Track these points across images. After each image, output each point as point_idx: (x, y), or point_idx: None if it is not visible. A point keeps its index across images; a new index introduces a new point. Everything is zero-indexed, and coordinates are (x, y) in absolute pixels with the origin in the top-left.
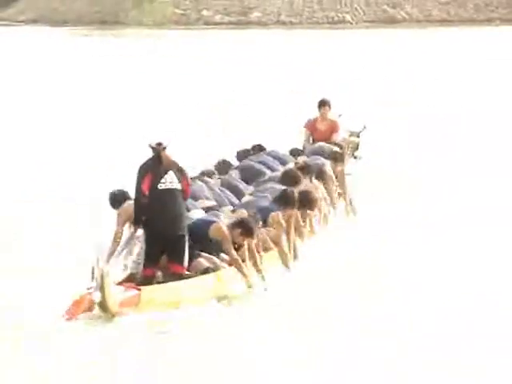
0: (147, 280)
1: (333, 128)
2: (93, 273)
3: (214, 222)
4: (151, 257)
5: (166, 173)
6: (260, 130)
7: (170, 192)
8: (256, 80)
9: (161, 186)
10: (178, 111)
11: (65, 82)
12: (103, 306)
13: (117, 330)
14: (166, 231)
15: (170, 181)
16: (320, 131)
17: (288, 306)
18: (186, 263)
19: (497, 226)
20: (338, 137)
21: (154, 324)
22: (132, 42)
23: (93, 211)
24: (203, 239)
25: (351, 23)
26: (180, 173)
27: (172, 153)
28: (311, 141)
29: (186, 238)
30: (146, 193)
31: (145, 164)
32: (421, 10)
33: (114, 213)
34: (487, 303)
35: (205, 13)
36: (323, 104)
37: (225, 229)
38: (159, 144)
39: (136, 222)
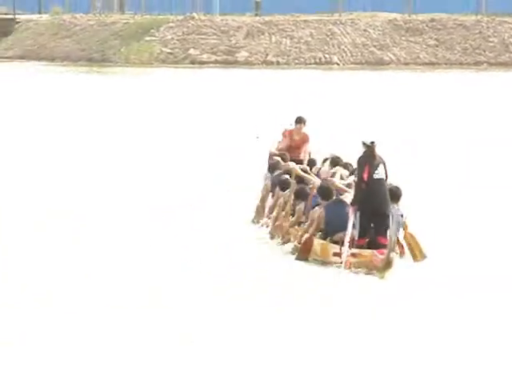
0: (359, 247)
1: (304, 139)
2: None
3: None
4: (364, 230)
5: (378, 165)
6: (242, 164)
7: (381, 181)
8: (243, 115)
9: (375, 176)
10: (165, 146)
11: (50, 115)
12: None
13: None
14: (377, 211)
15: (381, 172)
16: (295, 140)
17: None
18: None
19: None
20: (308, 147)
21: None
22: (119, 80)
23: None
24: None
25: (338, 64)
26: (384, 166)
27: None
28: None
29: (391, 217)
30: (366, 180)
31: (363, 157)
32: (408, 52)
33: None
34: None
35: (192, 52)
36: (300, 121)
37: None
38: (372, 142)
39: (355, 202)
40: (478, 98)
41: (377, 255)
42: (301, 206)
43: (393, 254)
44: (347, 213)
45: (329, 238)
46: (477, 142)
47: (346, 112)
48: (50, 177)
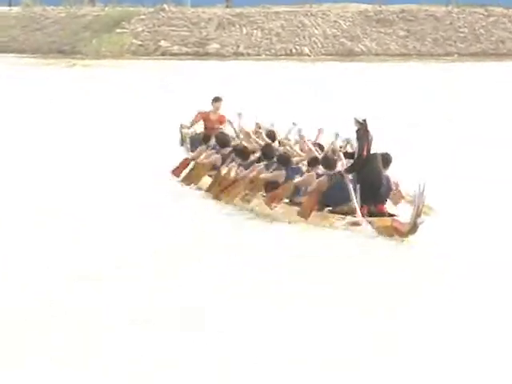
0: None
1: (221, 120)
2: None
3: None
4: (364, 200)
5: (372, 141)
6: None
7: (376, 155)
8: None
9: (372, 151)
10: (136, 137)
11: (18, 107)
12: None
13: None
14: (376, 182)
15: (373, 147)
16: (211, 120)
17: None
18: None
19: None
20: (225, 127)
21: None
22: (88, 71)
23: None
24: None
25: (309, 55)
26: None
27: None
28: (202, 128)
29: (386, 188)
30: (365, 155)
31: (360, 134)
32: (379, 43)
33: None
34: None
35: (163, 43)
36: (218, 100)
37: None
38: (365, 119)
39: (351, 171)
40: (448, 88)
41: (398, 220)
42: (282, 172)
43: (419, 219)
44: (347, 186)
45: (327, 209)
46: (452, 131)
47: (317, 102)
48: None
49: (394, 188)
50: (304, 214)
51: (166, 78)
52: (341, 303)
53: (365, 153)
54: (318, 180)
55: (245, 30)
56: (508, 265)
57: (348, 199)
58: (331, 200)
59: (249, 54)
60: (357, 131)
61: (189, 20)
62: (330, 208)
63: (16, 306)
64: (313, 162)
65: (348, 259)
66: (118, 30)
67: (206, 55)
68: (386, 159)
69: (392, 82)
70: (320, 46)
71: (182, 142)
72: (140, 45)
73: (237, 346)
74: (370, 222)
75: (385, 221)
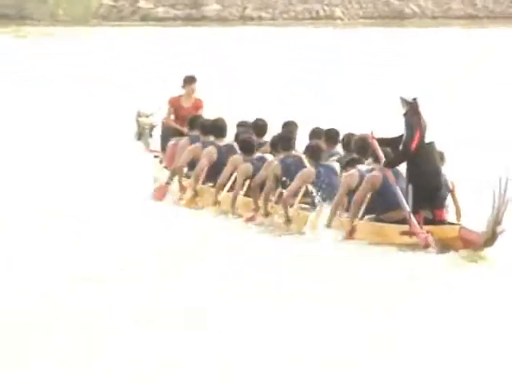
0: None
1: (197, 105)
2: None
3: None
4: (418, 204)
5: (426, 127)
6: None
7: (433, 145)
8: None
9: (426, 140)
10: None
11: None
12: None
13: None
14: (432, 181)
15: (428, 132)
16: (184, 108)
17: None
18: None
19: None
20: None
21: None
22: (41, 44)
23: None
24: None
25: (342, 19)
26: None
27: None
28: (173, 117)
29: (445, 188)
30: (415, 147)
31: (410, 118)
32: (437, 2)
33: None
34: None
35: (142, 4)
36: (189, 81)
37: None
38: (415, 98)
39: (393, 165)
40: None
41: (468, 229)
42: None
43: (499, 227)
44: (391, 187)
45: (368, 217)
46: None
47: (352, 83)
48: None
49: (451, 190)
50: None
51: (147, 51)
52: (340, 302)
53: (415, 143)
54: (369, 178)
55: None
56: None
57: (394, 203)
58: (379, 206)
59: (260, 18)
60: (404, 114)
61: None
62: (371, 215)
63: (20, 307)
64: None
65: (348, 258)
66: None
67: (203, 19)
68: (440, 155)
69: (455, 54)
70: (357, 6)
71: (140, 136)
72: (112, 6)
73: (238, 345)
74: (428, 231)
75: (449, 230)
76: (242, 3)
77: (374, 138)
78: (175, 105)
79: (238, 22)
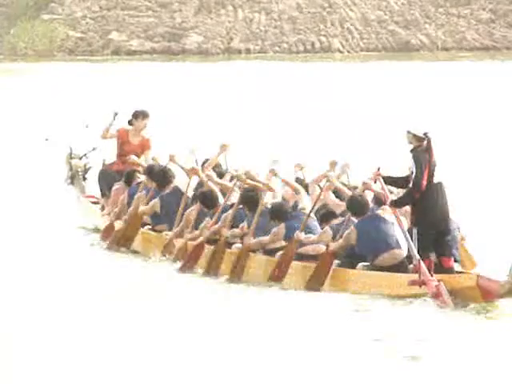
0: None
1: (144, 145)
2: None
3: None
4: (424, 249)
5: (435, 166)
6: None
7: (441, 185)
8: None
9: (435, 180)
10: None
11: None
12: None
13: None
14: (439, 224)
15: (436, 172)
16: (131, 144)
17: None
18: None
19: None
20: (148, 155)
21: None
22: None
23: None
24: None
25: (341, 52)
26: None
27: None
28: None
29: (454, 232)
30: (424, 186)
31: (418, 154)
32: (449, 31)
33: None
34: None
35: (115, 36)
36: (143, 116)
37: None
38: (426, 133)
39: (400, 205)
40: None
41: (486, 277)
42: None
43: None
44: (386, 231)
45: (362, 265)
46: None
47: (353, 122)
48: None
49: (459, 237)
50: (319, 279)
51: (119, 89)
52: (338, 304)
53: (424, 181)
54: (346, 233)
55: (241, 14)
56: None
57: (388, 245)
58: (368, 249)
59: (248, 51)
60: (412, 150)
61: (154, 0)
62: (364, 263)
63: None
64: (328, 216)
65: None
66: (46, 16)
67: (183, 53)
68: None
69: (469, 90)
70: (358, 36)
71: (72, 179)
72: (80, 38)
73: (238, 345)
74: (440, 282)
75: (465, 279)
76: (228, 34)
77: (380, 175)
78: (122, 138)
79: (222, 56)
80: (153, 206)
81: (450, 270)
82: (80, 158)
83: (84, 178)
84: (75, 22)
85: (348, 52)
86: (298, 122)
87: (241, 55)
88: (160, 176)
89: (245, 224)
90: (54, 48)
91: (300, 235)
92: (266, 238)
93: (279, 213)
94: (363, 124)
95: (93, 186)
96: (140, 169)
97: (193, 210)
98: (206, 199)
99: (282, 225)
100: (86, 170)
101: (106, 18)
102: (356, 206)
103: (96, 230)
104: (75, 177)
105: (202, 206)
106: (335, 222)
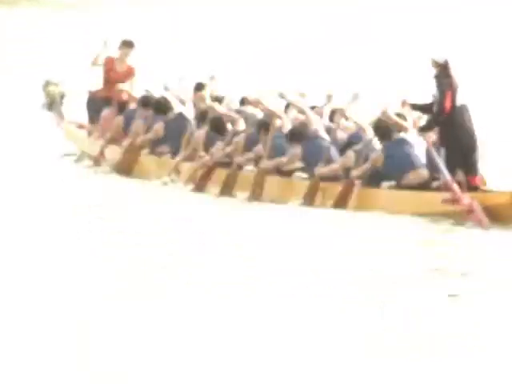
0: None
1: (129, 73)
2: None
3: None
4: (452, 169)
5: (457, 89)
6: None
7: (466, 107)
8: None
9: (458, 103)
10: None
11: None
12: None
13: None
14: (466, 145)
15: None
16: (117, 72)
17: None
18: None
19: None
20: (134, 81)
21: None
22: None
23: None
24: None
25: None
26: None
27: None
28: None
29: (479, 151)
30: (449, 110)
31: (441, 79)
32: None
33: None
34: None
35: None
36: (128, 46)
37: None
38: (446, 61)
39: (427, 129)
40: None
41: None
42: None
43: None
44: (410, 153)
45: (387, 184)
46: None
47: (378, 49)
48: None
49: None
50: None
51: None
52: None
53: (448, 105)
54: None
55: None
56: None
57: (413, 165)
58: (394, 170)
59: None
60: (435, 76)
61: None
62: (391, 182)
63: None
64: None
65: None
66: None
67: None
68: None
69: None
70: None
71: (50, 106)
72: None
73: (236, 345)
74: (473, 198)
75: (498, 196)
76: None
77: (406, 103)
78: (108, 65)
79: None
80: (157, 130)
81: (476, 188)
82: (56, 85)
83: (61, 103)
84: None
85: None
86: (322, 51)
87: None
88: (160, 103)
89: (260, 146)
90: None
91: (321, 169)
92: (283, 159)
93: (299, 135)
94: (385, 52)
95: (75, 111)
96: (125, 94)
97: (201, 133)
98: (218, 123)
99: (299, 146)
100: (62, 96)
101: None
102: (383, 129)
103: (84, 154)
104: (53, 103)
105: (209, 131)
106: (358, 147)
